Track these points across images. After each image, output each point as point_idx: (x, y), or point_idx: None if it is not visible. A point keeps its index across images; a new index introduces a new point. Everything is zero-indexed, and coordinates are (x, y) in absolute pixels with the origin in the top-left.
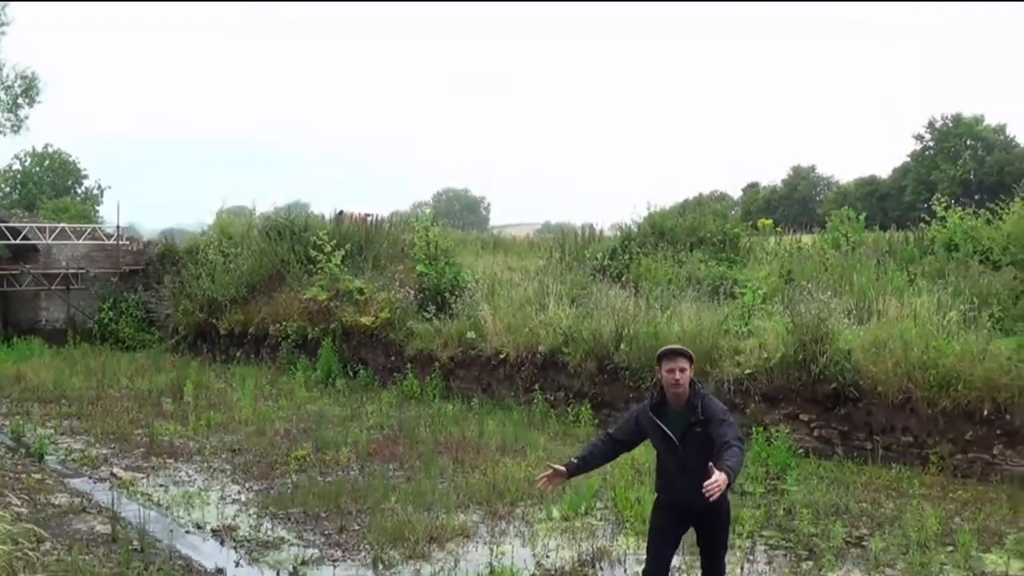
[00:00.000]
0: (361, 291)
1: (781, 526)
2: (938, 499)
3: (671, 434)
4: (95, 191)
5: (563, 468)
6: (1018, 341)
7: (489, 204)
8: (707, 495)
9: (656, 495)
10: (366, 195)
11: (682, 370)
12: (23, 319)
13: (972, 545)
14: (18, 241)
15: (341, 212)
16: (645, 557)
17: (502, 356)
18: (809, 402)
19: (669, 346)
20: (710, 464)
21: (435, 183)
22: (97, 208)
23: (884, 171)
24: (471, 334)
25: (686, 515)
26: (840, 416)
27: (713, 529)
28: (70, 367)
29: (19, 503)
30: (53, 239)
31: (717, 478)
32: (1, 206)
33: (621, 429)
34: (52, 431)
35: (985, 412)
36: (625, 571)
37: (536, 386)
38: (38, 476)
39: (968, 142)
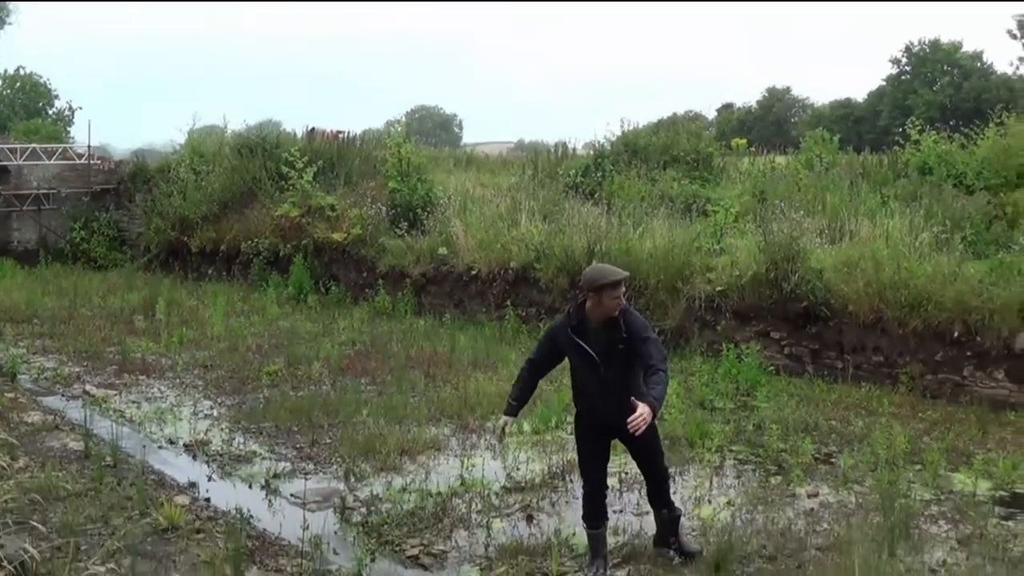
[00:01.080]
0: (333, 208)
1: (751, 441)
2: (907, 418)
3: (593, 354)
4: (67, 112)
5: (510, 419)
6: (990, 264)
7: (462, 122)
8: (632, 430)
9: (577, 409)
10: (338, 113)
11: (616, 298)
12: None
13: (940, 464)
14: None
15: (313, 129)
16: (580, 473)
17: (474, 272)
18: (780, 320)
19: (615, 275)
20: (632, 399)
21: (408, 101)
22: (68, 129)
23: (859, 94)
24: (443, 250)
25: (611, 431)
26: (811, 334)
27: (641, 442)
28: (42, 287)
29: None
30: (24, 160)
31: (642, 411)
32: None
33: (540, 352)
34: (24, 350)
35: (955, 334)
36: None
37: (508, 302)
38: (11, 395)
39: (945, 68)
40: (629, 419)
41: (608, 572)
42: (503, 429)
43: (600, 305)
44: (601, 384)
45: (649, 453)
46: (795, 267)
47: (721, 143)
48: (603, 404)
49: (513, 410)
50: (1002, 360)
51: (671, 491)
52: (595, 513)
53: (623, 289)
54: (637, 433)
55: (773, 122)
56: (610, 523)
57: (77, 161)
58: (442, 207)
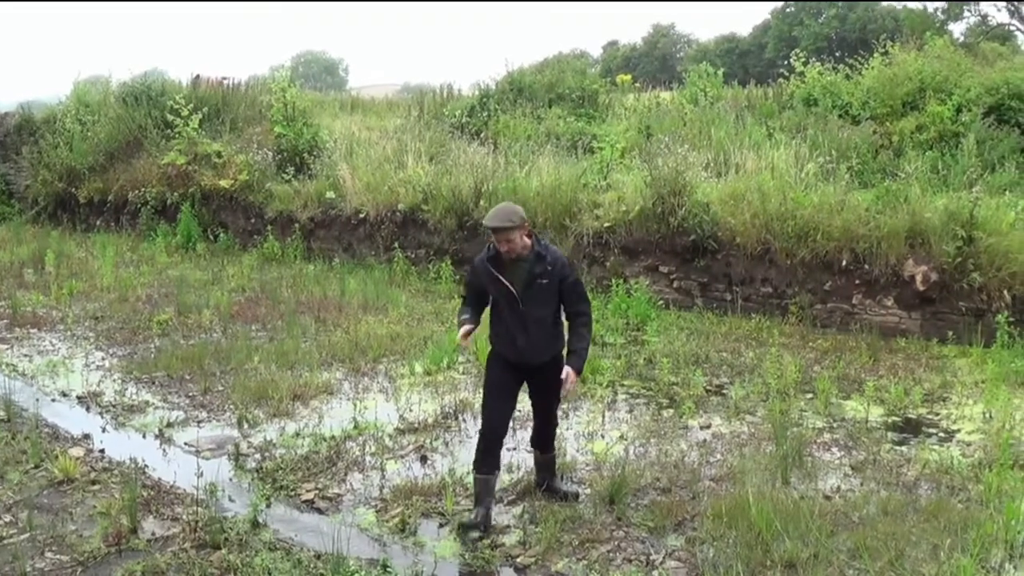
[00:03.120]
0: (219, 154)
1: (642, 375)
2: (798, 348)
3: (512, 288)
4: None
5: (470, 325)
6: (876, 193)
7: (348, 66)
8: (563, 397)
9: (492, 347)
10: (223, 60)
11: (509, 240)
12: None
13: (832, 392)
14: None
15: (198, 76)
16: (482, 414)
17: (362, 215)
18: (668, 254)
19: (491, 222)
20: (567, 369)
21: (293, 46)
22: None
23: (745, 30)
24: (330, 194)
25: (525, 369)
26: (699, 268)
27: (549, 382)
28: None
29: None
30: None
31: (570, 374)
32: None
33: (468, 289)
34: None
35: (843, 263)
36: None
37: (396, 244)
38: None
39: None
40: (563, 388)
41: (491, 517)
42: (466, 333)
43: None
44: (519, 320)
45: (552, 397)
46: (682, 201)
47: (606, 80)
48: (521, 341)
49: (468, 321)
50: (890, 287)
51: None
52: (488, 458)
53: (507, 236)
54: (566, 398)
55: (658, 58)
56: (504, 461)
57: None
58: (329, 151)
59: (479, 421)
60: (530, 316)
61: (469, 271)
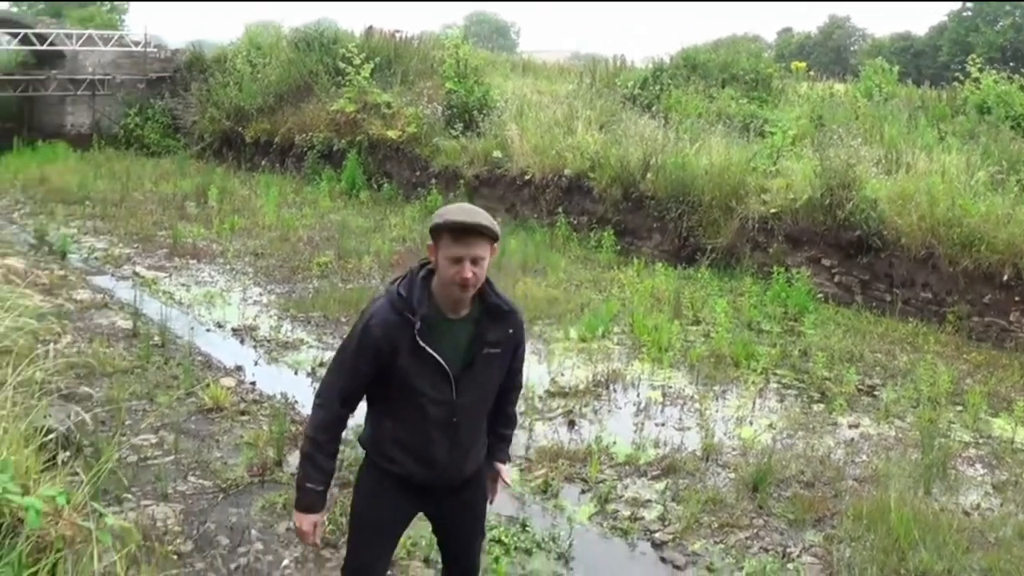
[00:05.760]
0: (389, 105)
1: (795, 367)
2: (952, 358)
3: (447, 367)
4: (120, 3)
5: (317, 516)
6: None
7: (519, 29)
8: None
9: (373, 461)
10: (394, 15)
11: (477, 263)
12: (47, 123)
13: (981, 407)
14: (44, 47)
15: (371, 27)
16: (347, 563)
17: (527, 177)
18: (832, 247)
19: (462, 216)
20: (497, 465)
21: (465, 6)
22: (123, 19)
23: (920, 29)
24: (497, 153)
25: (431, 496)
26: (862, 265)
27: (468, 510)
28: (94, 170)
29: (41, 297)
30: (80, 45)
31: (502, 473)
32: (27, 13)
33: (342, 376)
34: (75, 231)
35: (1005, 277)
36: (638, 394)
37: (560, 209)
38: (61, 273)
39: (1008, 8)
40: (492, 495)
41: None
42: (313, 531)
43: (439, 271)
44: (446, 420)
45: (474, 533)
46: (850, 195)
47: (780, 66)
48: (442, 454)
49: (320, 498)
50: None
51: None
52: None
53: (476, 250)
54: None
55: (833, 49)
56: (652, 435)
57: (133, 48)
58: (498, 110)
59: (630, 392)
60: (464, 412)
61: (358, 335)
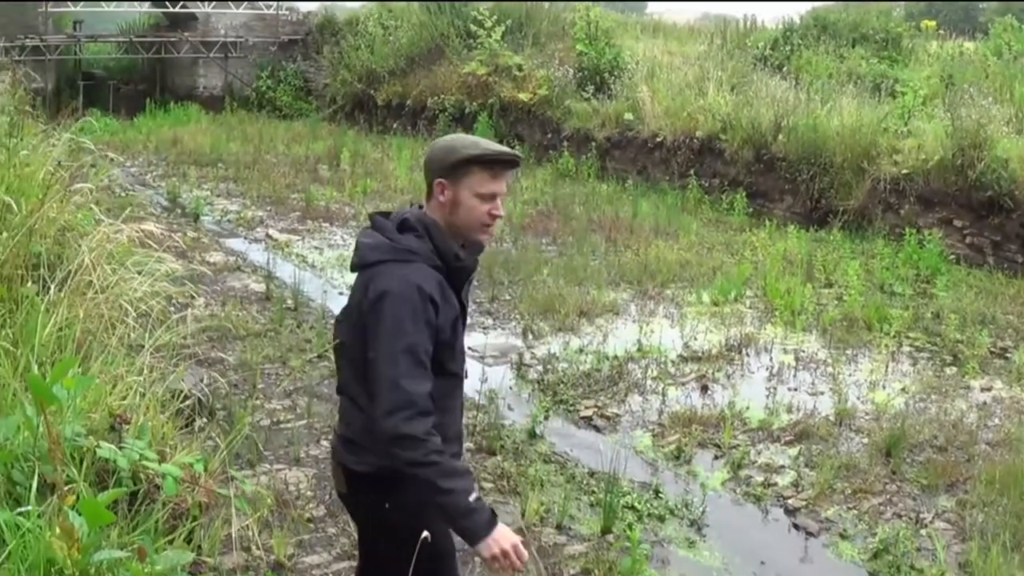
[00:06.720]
0: (520, 67)
1: (928, 329)
2: None
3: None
4: None
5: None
6: None
7: None
8: None
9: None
10: None
11: (501, 196)
12: (180, 85)
13: None
14: (176, 9)
15: None
16: None
17: (659, 139)
18: (963, 208)
19: (494, 147)
20: None
21: None
22: None
23: None
24: (629, 115)
25: None
26: (993, 225)
27: None
28: (227, 133)
29: (174, 259)
30: (212, 7)
31: None
32: None
33: (419, 362)
34: (208, 193)
35: None
36: (770, 359)
37: (691, 171)
38: (194, 235)
39: None
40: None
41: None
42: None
43: (463, 209)
44: (459, 386)
45: None
46: (981, 155)
47: (910, 24)
48: (456, 430)
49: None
50: None
51: None
52: None
53: (506, 186)
54: None
55: (960, 6)
56: (785, 400)
57: (265, 11)
58: (629, 72)
59: (762, 357)
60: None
61: (415, 303)
